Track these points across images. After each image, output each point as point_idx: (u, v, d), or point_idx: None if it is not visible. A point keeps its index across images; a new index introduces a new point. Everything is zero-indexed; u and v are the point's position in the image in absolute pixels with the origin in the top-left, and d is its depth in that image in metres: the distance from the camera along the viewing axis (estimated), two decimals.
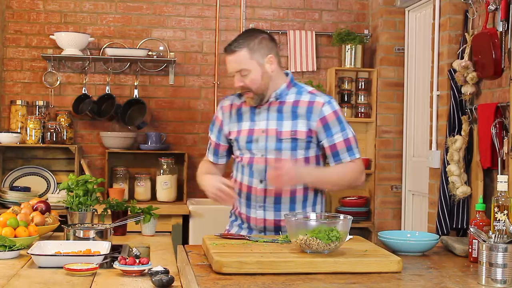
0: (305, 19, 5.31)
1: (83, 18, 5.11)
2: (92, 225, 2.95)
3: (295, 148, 2.74)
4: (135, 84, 5.10)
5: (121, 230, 3.21)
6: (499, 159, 3.44)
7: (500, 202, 2.34)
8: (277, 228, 2.78)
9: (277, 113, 2.76)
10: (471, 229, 2.26)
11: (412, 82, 5.03)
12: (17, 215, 2.94)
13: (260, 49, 2.70)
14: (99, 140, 5.06)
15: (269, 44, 2.74)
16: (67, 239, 2.78)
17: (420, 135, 4.88)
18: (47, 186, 4.96)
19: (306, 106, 2.74)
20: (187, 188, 4.98)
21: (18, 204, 3.46)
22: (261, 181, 2.77)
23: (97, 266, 2.40)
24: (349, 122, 5.03)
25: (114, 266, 2.40)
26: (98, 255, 2.47)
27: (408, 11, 5.05)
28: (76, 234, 2.78)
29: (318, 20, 5.32)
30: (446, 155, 3.87)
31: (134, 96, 5.07)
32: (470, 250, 2.48)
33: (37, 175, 4.98)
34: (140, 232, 3.31)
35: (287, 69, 5.23)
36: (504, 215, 2.32)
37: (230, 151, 2.93)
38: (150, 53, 5.06)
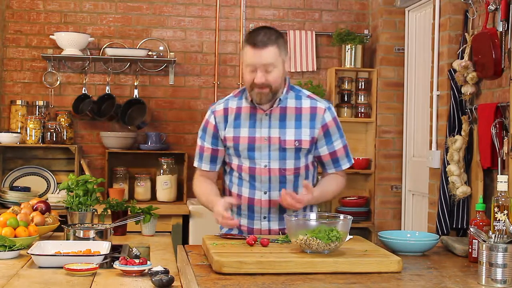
0: (305, 19, 5.31)
1: (83, 18, 5.11)
2: (92, 225, 2.95)
3: (298, 157, 2.72)
4: (135, 84, 5.10)
5: (121, 230, 3.21)
6: (499, 159, 3.44)
7: (500, 202, 2.34)
8: None
9: (279, 120, 2.70)
10: (471, 229, 2.26)
11: (412, 82, 5.03)
12: (17, 215, 2.94)
13: (285, 48, 2.66)
14: (99, 140, 5.06)
15: (286, 45, 2.71)
16: (67, 239, 2.78)
17: (420, 135, 4.88)
18: (47, 186, 4.96)
19: (309, 113, 2.71)
20: (187, 188, 4.97)
21: (18, 204, 3.46)
22: (265, 193, 2.73)
23: (97, 266, 2.40)
24: (349, 122, 5.14)
25: (114, 266, 2.40)
26: (98, 255, 2.47)
27: (408, 11, 5.05)
28: (76, 234, 2.78)
29: (318, 20, 5.32)
30: (446, 155, 3.87)
31: (134, 96, 5.07)
32: (470, 250, 2.48)
33: (37, 175, 4.98)
34: (140, 232, 3.31)
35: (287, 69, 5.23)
36: (504, 215, 2.32)
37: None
38: (150, 53, 5.06)
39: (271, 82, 2.62)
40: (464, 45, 3.90)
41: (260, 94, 2.64)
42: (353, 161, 2.84)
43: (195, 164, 2.86)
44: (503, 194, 2.35)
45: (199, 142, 2.82)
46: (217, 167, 2.83)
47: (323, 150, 2.74)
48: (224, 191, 2.86)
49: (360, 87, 5.19)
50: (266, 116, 2.70)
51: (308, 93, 2.79)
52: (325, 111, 2.72)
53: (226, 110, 2.76)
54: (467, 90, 3.81)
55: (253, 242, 2.42)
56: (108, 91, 5.03)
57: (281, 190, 2.69)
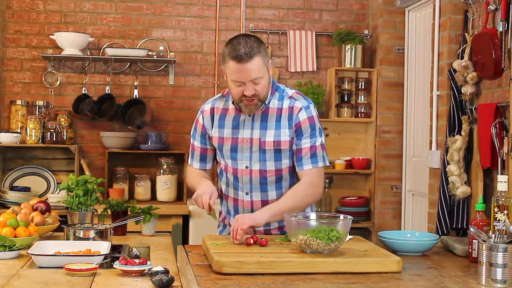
0: (305, 19, 5.31)
1: (83, 18, 5.11)
2: (92, 225, 2.95)
3: (279, 158, 2.70)
4: (135, 84, 5.10)
5: (121, 230, 3.21)
6: (499, 159, 3.44)
7: (500, 202, 2.34)
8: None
9: (261, 121, 2.69)
10: (471, 229, 2.26)
11: (412, 82, 5.03)
12: (17, 215, 2.94)
13: (266, 53, 2.62)
14: (99, 140, 5.06)
15: (266, 47, 2.66)
16: (67, 239, 2.78)
17: (420, 135, 4.88)
18: (47, 186, 4.96)
19: (287, 114, 2.68)
20: (187, 188, 4.96)
21: (18, 204, 3.46)
22: (247, 193, 2.75)
23: (97, 266, 2.40)
24: (349, 122, 5.14)
25: (114, 266, 2.40)
26: (98, 255, 2.47)
27: (408, 11, 5.05)
28: (76, 234, 2.78)
29: (318, 20, 5.32)
30: (446, 155, 3.87)
31: (134, 96, 5.06)
32: (470, 250, 2.48)
33: (37, 175, 4.98)
34: (140, 232, 3.31)
35: (288, 69, 5.24)
36: (504, 215, 2.32)
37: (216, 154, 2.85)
38: (150, 53, 5.06)
39: (260, 93, 2.61)
40: (464, 45, 3.91)
41: (249, 106, 2.64)
42: (320, 164, 2.69)
43: (188, 161, 2.93)
44: (503, 194, 2.35)
45: (191, 140, 2.88)
46: (207, 166, 2.88)
47: (293, 147, 2.71)
48: (219, 190, 2.89)
49: (360, 87, 5.19)
50: (249, 118, 2.71)
51: (291, 92, 2.75)
52: (300, 110, 2.69)
53: (212, 110, 2.80)
54: (467, 90, 3.81)
55: (252, 242, 2.43)
56: (108, 91, 5.03)
57: (263, 191, 2.71)
